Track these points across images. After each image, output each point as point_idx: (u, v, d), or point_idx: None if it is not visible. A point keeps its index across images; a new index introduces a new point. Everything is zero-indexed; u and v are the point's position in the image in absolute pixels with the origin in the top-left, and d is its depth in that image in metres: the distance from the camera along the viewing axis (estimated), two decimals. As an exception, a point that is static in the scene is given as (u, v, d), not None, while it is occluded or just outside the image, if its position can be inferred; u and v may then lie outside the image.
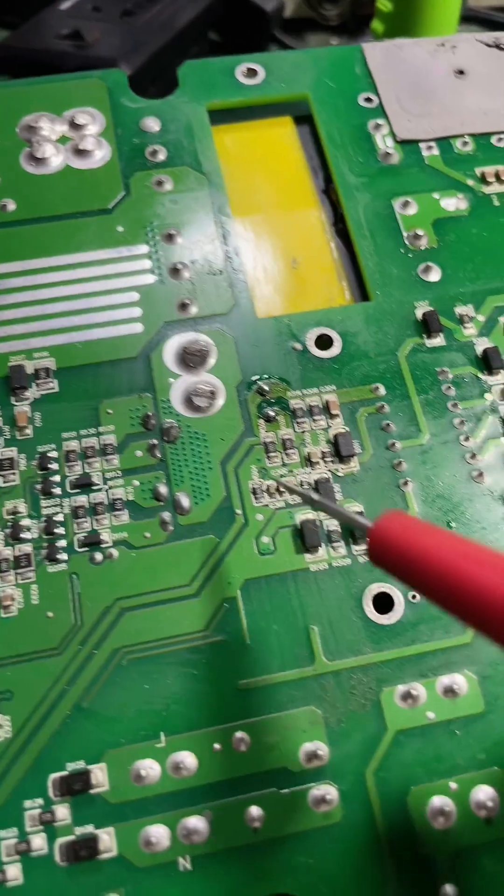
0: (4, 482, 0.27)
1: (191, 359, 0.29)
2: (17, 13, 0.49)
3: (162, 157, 0.33)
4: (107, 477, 0.28)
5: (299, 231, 0.34)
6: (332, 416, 0.29)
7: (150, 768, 0.24)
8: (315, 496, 0.25)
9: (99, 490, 0.27)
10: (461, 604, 0.18)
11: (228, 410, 0.29)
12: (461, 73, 0.37)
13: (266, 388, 0.29)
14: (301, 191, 0.35)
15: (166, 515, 0.27)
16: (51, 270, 0.31)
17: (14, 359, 0.29)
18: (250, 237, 0.33)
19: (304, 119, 0.36)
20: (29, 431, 0.28)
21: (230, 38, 0.51)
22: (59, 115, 0.34)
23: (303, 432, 0.29)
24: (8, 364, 0.29)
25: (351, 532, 0.27)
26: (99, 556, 0.26)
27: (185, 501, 0.27)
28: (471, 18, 0.52)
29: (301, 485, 0.28)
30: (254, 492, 0.28)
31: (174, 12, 0.45)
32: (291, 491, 0.27)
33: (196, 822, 0.24)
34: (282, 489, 0.27)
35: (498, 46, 0.38)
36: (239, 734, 0.25)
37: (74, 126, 0.34)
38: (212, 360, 0.30)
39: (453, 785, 0.24)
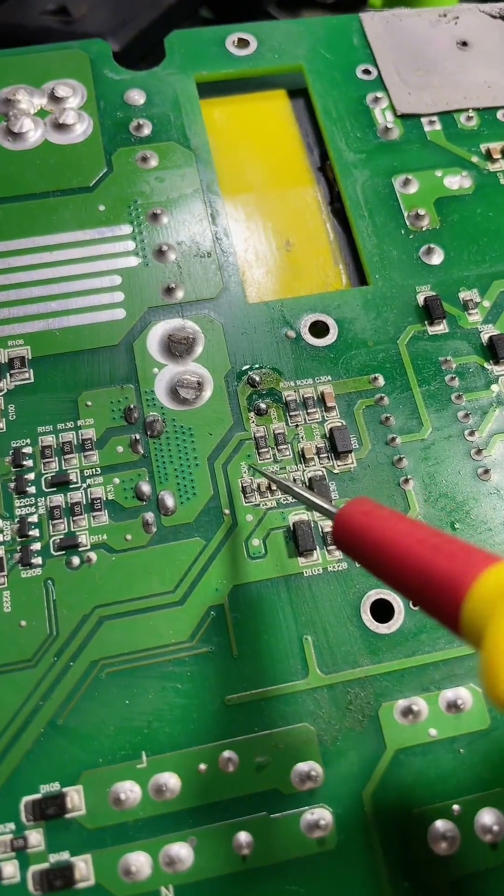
0: (-26, 480, 0.26)
1: (176, 347, 0.28)
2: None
3: (147, 131, 0.32)
4: (85, 474, 0.26)
5: (293, 211, 0.32)
6: (328, 409, 0.27)
7: (130, 791, 0.22)
8: (282, 479, 0.25)
9: (77, 489, 0.26)
10: (413, 588, 0.18)
11: (216, 403, 0.27)
12: (464, 44, 0.35)
13: (257, 378, 0.27)
14: (295, 168, 0.33)
15: (149, 516, 0.25)
16: (27, 252, 0.29)
17: (-14, 347, 0.27)
18: (241, 217, 0.31)
19: (298, 92, 0.34)
20: (2, 425, 0.26)
21: (222, 15, 0.49)
22: (37, 87, 0.32)
23: (296, 426, 0.27)
24: (-21, 353, 0.27)
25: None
26: (76, 561, 0.25)
27: (170, 501, 0.26)
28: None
29: (294, 481, 0.26)
30: (243, 490, 0.26)
31: (165, -13, 0.44)
32: (263, 475, 0.26)
33: (179, 850, 0.22)
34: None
35: (502, 17, 0.36)
36: (226, 753, 0.23)
37: (54, 99, 0.32)
38: (199, 349, 0.28)
39: (457, 807, 0.23)
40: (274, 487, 0.26)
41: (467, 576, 0.16)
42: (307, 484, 0.26)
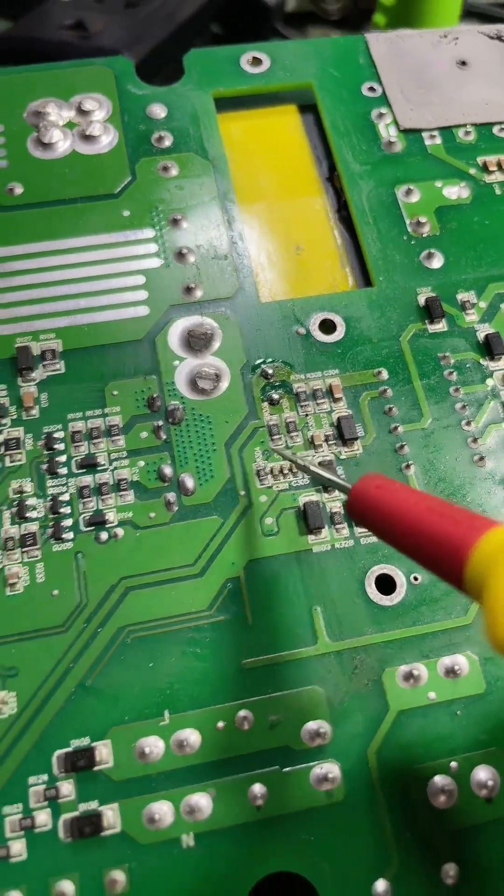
0: (11, 461, 0.27)
1: (195, 342, 0.30)
2: (19, 4, 0.49)
3: (168, 143, 0.34)
4: (112, 457, 0.28)
5: (303, 218, 0.34)
6: (336, 400, 0.29)
7: (154, 745, 0.24)
8: (301, 461, 0.26)
9: (104, 470, 0.27)
10: (424, 552, 0.19)
11: (232, 393, 0.29)
12: (463, 63, 0.37)
13: (270, 371, 0.29)
14: (305, 178, 0.35)
15: (171, 496, 0.27)
16: (57, 253, 0.31)
17: (21, 340, 0.29)
18: (255, 223, 0.33)
19: (308, 108, 0.36)
20: (35, 412, 0.28)
21: (232, 31, 0.51)
22: (66, 100, 0.34)
23: (306, 415, 0.29)
24: (14, 345, 0.29)
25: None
26: (104, 536, 0.27)
27: (190, 482, 0.27)
28: (472, 14, 0.52)
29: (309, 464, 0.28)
30: (258, 473, 0.28)
31: (177, 4, 0.45)
32: (283, 456, 0.28)
33: (199, 800, 0.24)
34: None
35: (500, 38, 0.38)
36: (242, 712, 0.25)
37: (81, 112, 0.34)
38: (216, 344, 0.30)
39: (454, 764, 0.25)
40: (286, 471, 0.28)
41: (470, 538, 0.18)
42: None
